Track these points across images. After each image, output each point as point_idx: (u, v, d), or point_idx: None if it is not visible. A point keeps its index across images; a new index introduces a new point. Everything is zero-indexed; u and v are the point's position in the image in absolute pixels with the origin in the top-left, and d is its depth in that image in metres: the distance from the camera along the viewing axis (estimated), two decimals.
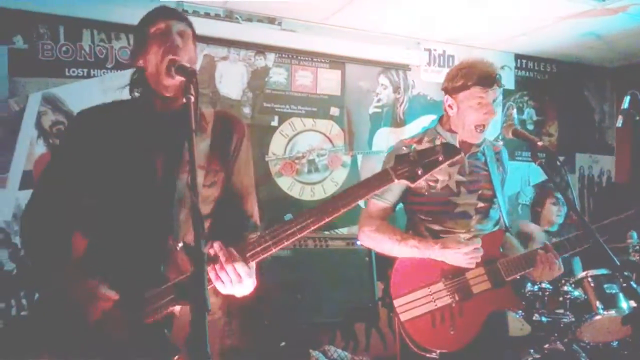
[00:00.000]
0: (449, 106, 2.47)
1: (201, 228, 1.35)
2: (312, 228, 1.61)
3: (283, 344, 3.40)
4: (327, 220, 1.62)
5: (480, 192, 2.48)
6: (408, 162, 1.66)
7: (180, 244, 1.63)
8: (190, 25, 1.88)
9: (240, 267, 1.56)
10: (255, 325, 3.33)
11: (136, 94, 1.86)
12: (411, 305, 2.36)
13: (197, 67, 1.89)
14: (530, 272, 2.40)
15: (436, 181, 2.43)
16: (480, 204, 2.48)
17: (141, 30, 1.80)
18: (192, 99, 1.53)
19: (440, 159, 1.66)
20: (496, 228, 2.55)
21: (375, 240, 2.47)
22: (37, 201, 1.82)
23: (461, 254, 2.32)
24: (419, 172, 1.66)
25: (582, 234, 2.40)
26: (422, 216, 2.50)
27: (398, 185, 2.21)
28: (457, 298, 2.36)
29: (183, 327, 1.66)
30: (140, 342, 1.58)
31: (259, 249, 1.60)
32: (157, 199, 1.73)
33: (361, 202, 1.75)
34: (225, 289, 1.59)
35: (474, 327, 2.35)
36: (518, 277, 2.41)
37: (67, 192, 1.75)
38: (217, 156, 1.87)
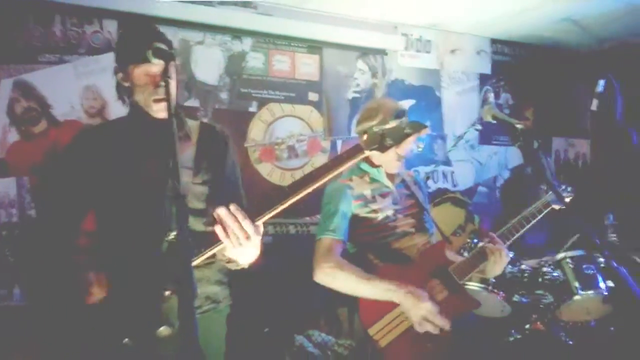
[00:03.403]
0: None
1: (184, 214, 1.38)
2: (301, 195, 1.67)
3: (267, 329, 3.40)
4: (311, 189, 1.67)
5: (412, 212, 2.71)
6: (377, 137, 1.74)
7: (174, 233, 1.66)
8: (170, 45, 1.93)
9: (247, 224, 1.60)
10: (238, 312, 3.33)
11: (126, 99, 2.01)
12: (387, 330, 2.40)
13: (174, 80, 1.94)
14: (484, 267, 2.60)
15: (377, 212, 2.60)
16: (415, 221, 2.70)
17: (123, 61, 1.92)
18: (171, 82, 1.56)
19: (408, 131, 1.76)
20: (433, 235, 2.78)
21: (336, 279, 2.45)
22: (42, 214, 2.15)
23: (423, 309, 2.35)
24: (389, 143, 1.73)
25: (513, 223, 2.74)
26: (369, 244, 2.61)
27: (345, 218, 2.55)
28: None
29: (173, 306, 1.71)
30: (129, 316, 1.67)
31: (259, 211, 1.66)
32: (153, 197, 1.85)
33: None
34: (234, 247, 1.62)
35: (447, 335, 2.41)
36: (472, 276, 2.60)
37: (72, 200, 1.92)
38: (204, 158, 2.02)
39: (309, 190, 1.69)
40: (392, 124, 1.80)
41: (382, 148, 1.75)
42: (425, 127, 1.89)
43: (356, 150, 1.75)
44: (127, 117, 2.05)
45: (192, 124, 2.10)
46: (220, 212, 1.60)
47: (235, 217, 1.60)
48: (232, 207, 1.61)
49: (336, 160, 1.73)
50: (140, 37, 1.88)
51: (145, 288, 1.67)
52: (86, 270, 1.76)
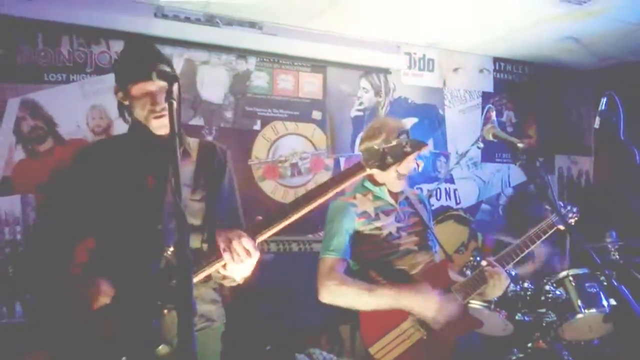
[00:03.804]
0: None
1: (185, 231, 1.39)
2: (303, 212, 1.75)
3: (268, 348, 3.39)
4: (312, 206, 1.76)
5: (416, 230, 2.70)
6: (378, 155, 1.81)
7: (171, 249, 1.69)
8: (170, 64, 1.96)
9: (247, 242, 1.68)
10: (240, 330, 3.32)
11: (127, 117, 2.04)
12: (388, 349, 2.40)
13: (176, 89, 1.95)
14: (483, 290, 2.58)
15: (380, 229, 2.60)
16: (419, 239, 2.68)
17: (122, 80, 1.94)
18: (175, 103, 1.58)
19: (408, 149, 1.82)
20: (436, 254, 2.76)
21: (341, 295, 2.45)
22: (43, 227, 2.07)
23: (433, 302, 2.39)
24: (390, 161, 1.81)
25: (518, 243, 2.74)
26: (372, 261, 2.61)
27: (347, 237, 2.55)
28: (425, 331, 2.43)
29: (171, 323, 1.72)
30: (128, 333, 1.68)
31: (260, 228, 1.74)
32: (151, 213, 1.89)
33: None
34: (234, 263, 1.69)
35: (447, 354, 2.44)
36: (473, 297, 2.58)
37: (72, 217, 1.93)
38: (203, 175, 2.05)
39: (311, 207, 1.74)
40: (394, 142, 1.82)
41: (383, 166, 1.80)
42: (425, 145, 1.94)
43: (358, 167, 1.81)
44: (128, 134, 2.08)
45: (192, 142, 2.13)
46: (221, 231, 1.66)
47: (237, 235, 1.66)
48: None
49: (337, 178, 1.80)
50: (139, 56, 1.92)
51: (143, 305, 1.68)
52: (90, 276, 1.78)
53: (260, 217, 1.76)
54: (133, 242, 1.85)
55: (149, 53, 1.94)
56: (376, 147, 1.81)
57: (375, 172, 2.68)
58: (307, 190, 1.80)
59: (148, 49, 2.00)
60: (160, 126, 1.91)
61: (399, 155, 1.81)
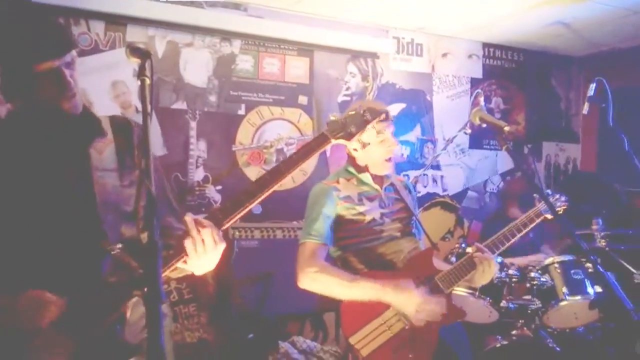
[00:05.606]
0: (354, 149, 2.64)
1: (155, 215, 1.32)
2: (271, 189, 1.68)
3: (251, 336, 3.36)
4: (279, 181, 1.69)
5: (400, 217, 2.66)
6: (341, 125, 1.80)
7: (119, 245, 1.59)
8: (68, 34, 1.80)
9: (214, 232, 1.58)
10: (223, 318, 3.29)
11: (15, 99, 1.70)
12: (369, 339, 2.36)
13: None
14: (471, 277, 2.53)
15: (364, 215, 2.56)
16: (402, 226, 2.64)
17: (21, 61, 1.61)
18: (148, 81, 1.49)
19: (368, 117, 1.83)
20: (420, 241, 2.71)
21: (321, 283, 2.41)
22: None
23: (415, 299, 2.35)
24: (353, 130, 1.80)
25: (504, 232, 2.66)
26: (354, 248, 2.57)
27: (328, 221, 2.50)
28: (407, 321, 2.39)
29: (134, 329, 1.62)
30: (92, 345, 1.53)
31: (227, 214, 1.64)
32: (77, 202, 1.68)
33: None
34: (198, 256, 1.58)
35: (430, 345, 2.39)
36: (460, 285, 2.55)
37: None
38: (126, 155, 1.82)
39: (278, 183, 1.69)
40: (352, 112, 1.84)
41: (347, 135, 1.80)
42: (382, 113, 1.97)
43: (323, 139, 1.79)
44: (24, 117, 1.70)
45: (103, 120, 1.86)
46: (187, 219, 1.57)
47: (202, 225, 1.57)
48: (196, 218, 1.56)
49: (303, 151, 1.75)
50: (39, 30, 1.63)
51: (101, 311, 1.55)
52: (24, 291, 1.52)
53: (217, 206, 1.67)
54: (68, 242, 1.62)
55: (49, 26, 1.67)
56: (334, 118, 1.81)
57: (358, 154, 2.66)
58: (293, 176, 1.73)
59: (46, 22, 1.67)
60: (72, 106, 1.67)
61: (361, 124, 1.81)
